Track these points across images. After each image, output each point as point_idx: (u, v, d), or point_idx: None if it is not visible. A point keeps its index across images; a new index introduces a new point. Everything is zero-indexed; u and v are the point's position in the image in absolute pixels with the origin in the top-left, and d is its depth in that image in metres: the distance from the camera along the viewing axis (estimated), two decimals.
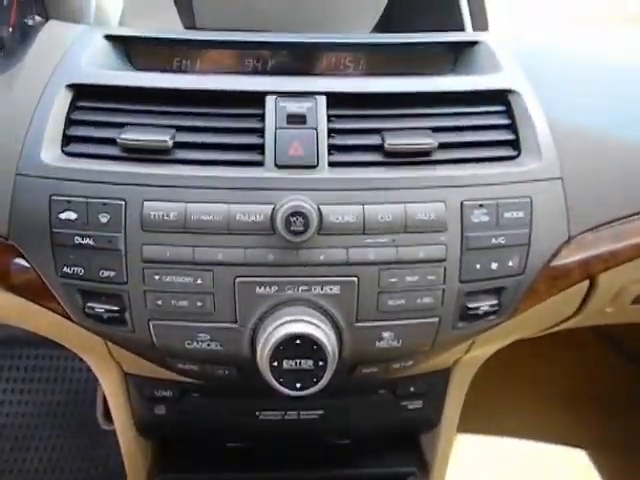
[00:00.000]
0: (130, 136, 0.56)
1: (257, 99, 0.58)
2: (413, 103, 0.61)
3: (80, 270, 0.56)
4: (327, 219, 0.55)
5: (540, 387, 1.44)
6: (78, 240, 0.55)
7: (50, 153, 0.57)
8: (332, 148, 0.57)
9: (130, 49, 0.67)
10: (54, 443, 1.32)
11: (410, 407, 0.78)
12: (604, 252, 0.63)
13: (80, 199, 0.55)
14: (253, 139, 0.58)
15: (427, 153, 0.58)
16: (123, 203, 0.55)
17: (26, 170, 0.56)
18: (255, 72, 0.68)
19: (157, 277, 0.55)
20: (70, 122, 0.58)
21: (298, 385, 0.55)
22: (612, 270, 0.65)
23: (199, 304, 0.56)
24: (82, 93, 0.59)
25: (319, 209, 0.54)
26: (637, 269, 0.67)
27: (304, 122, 0.57)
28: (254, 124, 0.58)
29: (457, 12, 0.79)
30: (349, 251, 0.56)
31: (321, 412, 0.77)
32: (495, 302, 0.60)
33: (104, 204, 0.55)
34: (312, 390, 0.56)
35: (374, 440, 0.88)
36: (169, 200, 0.55)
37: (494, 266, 0.58)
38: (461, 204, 0.57)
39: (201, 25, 0.88)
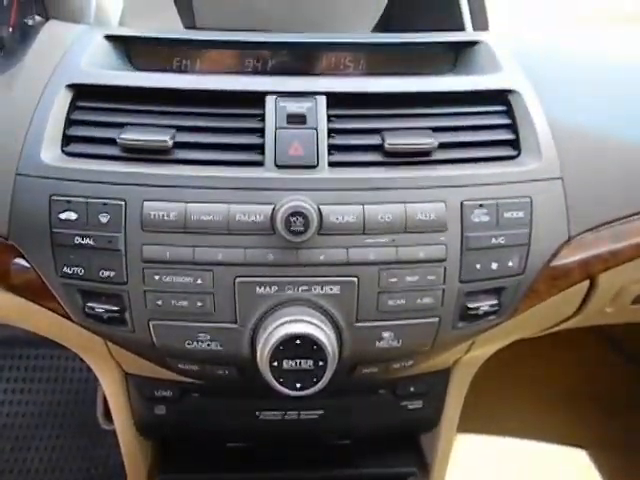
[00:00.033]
0: (130, 136, 0.56)
1: (257, 99, 0.58)
2: (413, 103, 0.61)
3: (80, 270, 0.56)
4: (327, 219, 0.55)
5: (540, 387, 1.44)
6: (78, 240, 0.55)
7: (50, 153, 0.57)
8: (332, 148, 0.57)
9: (130, 49, 0.67)
10: (54, 443, 1.32)
11: (410, 407, 0.78)
12: (604, 252, 0.63)
13: (80, 199, 0.55)
14: (253, 139, 0.58)
15: (427, 153, 0.58)
16: (123, 203, 0.55)
17: (26, 170, 0.56)
18: (255, 72, 0.68)
19: (157, 277, 0.55)
20: (70, 122, 0.58)
21: (298, 385, 0.55)
22: (612, 270, 0.65)
23: (199, 304, 0.56)
24: (82, 93, 0.59)
25: (319, 209, 0.54)
26: (637, 269, 0.67)
27: (304, 122, 0.57)
28: (254, 124, 0.58)
29: (457, 12, 0.79)
30: (349, 251, 0.56)
31: (321, 412, 0.77)
32: (495, 302, 0.60)
33: (104, 204, 0.55)
34: (312, 390, 0.56)
35: (374, 440, 0.88)
36: (169, 200, 0.55)
37: (494, 266, 0.58)
38: (461, 204, 0.57)
39: (201, 25, 0.88)
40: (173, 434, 0.83)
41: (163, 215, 0.54)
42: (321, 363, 0.54)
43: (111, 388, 0.78)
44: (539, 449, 1.35)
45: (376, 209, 0.55)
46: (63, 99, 0.58)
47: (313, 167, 0.56)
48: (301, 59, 0.68)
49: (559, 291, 0.64)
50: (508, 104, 0.62)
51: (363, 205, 0.55)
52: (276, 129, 0.57)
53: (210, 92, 0.59)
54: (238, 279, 0.55)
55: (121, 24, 0.77)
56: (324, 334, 0.54)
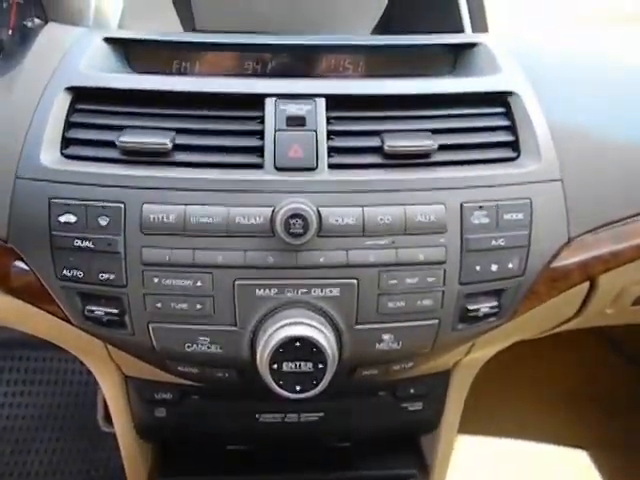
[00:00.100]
0: (129, 139, 0.56)
1: (257, 101, 0.58)
2: (412, 105, 0.61)
3: (79, 273, 0.56)
4: (327, 221, 0.55)
5: (540, 388, 1.44)
6: (77, 243, 0.55)
7: (49, 156, 0.56)
8: (332, 150, 0.57)
9: (129, 52, 0.67)
10: (54, 446, 1.32)
11: (410, 409, 0.78)
12: (604, 253, 0.63)
13: (79, 202, 0.55)
14: (253, 141, 0.57)
15: (427, 155, 0.58)
16: (122, 206, 0.55)
17: (25, 173, 0.56)
18: (254, 74, 0.68)
19: (156, 280, 0.55)
20: (69, 125, 0.58)
21: (298, 388, 0.55)
22: (612, 271, 0.65)
23: (199, 307, 0.56)
24: (81, 96, 0.59)
25: (318, 211, 0.54)
26: (637, 270, 0.67)
27: (303, 124, 0.57)
28: (254, 126, 0.58)
29: (456, 14, 0.79)
30: (349, 253, 0.56)
31: (321, 414, 0.77)
32: (495, 304, 0.60)
33: (103, 207, 0.55)
34: (312, 393, 0.56)
35: (374, 442, 0.88)
36: (168, 203, 0.55)
37: (494, 268, 0.58)
38: (461, 206, 0.57)
39: (200, 27, 0.88)
40: (173, 437, 0.83)
41: (162, 218, 0.54)
42: (321, 365, 0.54)
43: (111, 391, 0.77)
44: (539, 450, 1.35)
45: (376, 211, 0.55)
46: (62, 102, 0.58)
47: (312, 169, 0.56)
48: (300, 61, 0.68)
49: (559, 292, 0.64)
50: (507, 106, 0.62)
51: (363, 207, 0.55)
52: (275, 131, 0.57)
53: (209, 94, 0.59)
54: (238, 281, 0.55)
55: (120, 27, 0.77)
56: (324, 336, 0.54)
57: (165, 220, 0.54)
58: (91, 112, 0.59)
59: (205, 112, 0.59)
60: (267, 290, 0.56)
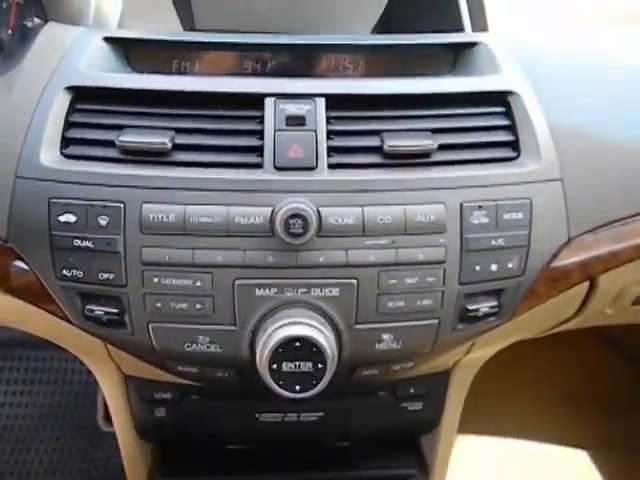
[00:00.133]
0: (129, 138, 0.56)
1: (256, 101, 0.58)
2: (412, 104, 0.61)
3: (79, 273, 0.56)
4: (326, 221, 0.54)
5: (540, 388, 1.44)
6: (77, 243, 0.55)
7: (49, 155, 0.56)
8: (331, 150, 0.57)
9: (129, 51, 0.67)
10: (54, 445, 1.32)
11: (410, 409, 0.78)
12: (604, 253, 0.63)
13: (79, 202, 0.55)
14: (252, 141, 0.57)
15: (426, 154, 0.58)
16: (122, 205, 0.55)
17: (25, 172, 0.56)
18: (254, 74, 0.68)
19: (156, 279, 0.55)
20: (69, 124, 0.58)
21: (297, 388, 0.55)
22: (612, 271, 0.65)
23: (198, 306, 0.56)
24: (81, 95, 0.59)
25: (318, 211, 0.54)
26: (637, 270, 0.66)
27: (303, 124, 0.57)
28: (253, 126, 0.58)
29: (456, 13, 0.79)
30: (348, 253, 0.55)
31: (321, 414, 0.77)
32: (495, 304, 0.60)
33: (103, 206, 0.55)
34: (311, 393, 0.56)
35: (374, 442, 0.88)
36: (168, 202, 0.55)
37: (494, 267, 0.58)
38: (460, 205, 0.57)
39: (200, 27, 0.88)
40: (173, 436, 0.83)
41: (162, 217, 0.54)
42: (320, 365, 0.54)
43: (111, 390, 0.77)
44: (539, 450, 1.35)
45: (375, 211, 0.55)
46: (62, 101, 0.58)
47: (312, 169, 0.56)
48: (300, 61, 0.68)
49: (559, 292, 0.64)
50: (507, 105, 0.62)
51: (362, 207, 0.55)
52: (275, 131, 0.57)
53: (209, 94, 0.59)
54: (237, 281, 0.55)
55: (120, 26, 0.77)
56: (323, 336, 0.54)
57: (165, 220, 0.54)
58: (91, 112, 0.59)
59: (205, 112, 0.59)
60: (267, 290, 0.56)
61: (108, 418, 0.85)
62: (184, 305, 0.56)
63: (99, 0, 0.75)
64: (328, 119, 0.58)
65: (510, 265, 0.59)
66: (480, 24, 0.79)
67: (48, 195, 0.55)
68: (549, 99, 0.63)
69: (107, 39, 0.65)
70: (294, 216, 0.53)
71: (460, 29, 0.79)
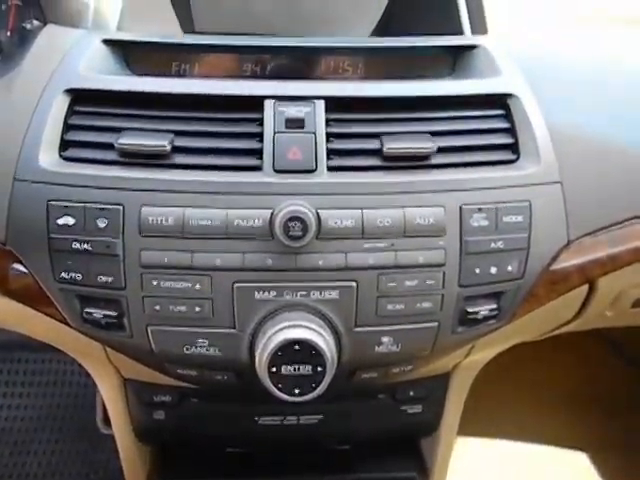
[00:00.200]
0: (128, 141, 0.56)
1: (256, 103, 0.58)
2: (412, 107, 0.61)
3: (78, 275, 0.56)
4: (326, 224, 0.54)
5: (540, 389, 1.44)
6: (76, 245, 0.55)
7: (48, 158, 0.56)
8: (331, 152, 0.57)
9: (128, 53, 0.67)
10: (53, 447, 1.32)
11: (410, 411, 0.78)
12: (603, 256, 0.63)
13: (78, 204, 0.55)
14: (252, 144, 0.57)
15: (426, 157, 0.58)
16: (121, 208, 0.54)
17: (24, 175, 0.56)
18: (254, 76, 0.68)
19: (155, 282, 0.55)
20: (68, 127, 0.58)
21: (297, 391, 0.55)
22: (611, 274, 0.65)
23: (197, 309, 0.56)
24: (80, 98, 0.59)
25: (318, 214, 0.54)
26: (636, 273, 0.66)
27: (302, 126, 0.57)
28: (253, 129, 0.58)
29: (456, 16, 0.79)
30: (348, 256, 0.55)
31: (320, 417, 0.77)
32: (494, 306, 0.60)
33: (102, 209, 0.55)
34: (311, 396, 0.56)
35: (374, 445, 0.88)
36: (167, 205, 0.55)
37: (493, 270, 0.58)
38: (460, 208, 0.57)
39: (200, 29, 0.88)
40: (172, 439, 0.83)
41: (161, 220, 0.54)
42: (320, 369, 0.54)
43: (109, 393, 0.77)
44: (539, 452, 1.35)
45: (375, 213, 0.55)
46: (61, 104, 0.58)
47: (312, 171, 0.56)
48: (300, 63, 0.68)
49: (558, 295, 0.64)
50: (507, 108, 0.62)
51: (362, 209, 0.55)
52: (274, 133, 0.57)
53: (208, 96, 0.59)
54: (236, 284, 0.55)
55: (119, 28, 0.77)
56: (323, 339, 0.54)
57: (164, 222, 0.54)
58: (90, 114, 0.59)
59: (204, 114, 0.59)
60: (266, 293, 0.56)
61: (107, 420, 0.85)
62: (183, 308, 0.56)
63: (98, 2, 0.75)
64: (327, 121, 0.58)
65: (510, 268, 0.59)
66: (479, 27, 0.79)
67: (47, 198, 0.55)
68: (549, 102, 0.63)
69: (106, 41, 0.65)
70: (293, 219, 0.52)
71: (459, 32, 0.79)
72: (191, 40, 0.68)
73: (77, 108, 0.59)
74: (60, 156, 0.57)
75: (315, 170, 0.56)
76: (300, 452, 0.86)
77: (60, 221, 0.55)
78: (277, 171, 0.56)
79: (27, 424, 1.34)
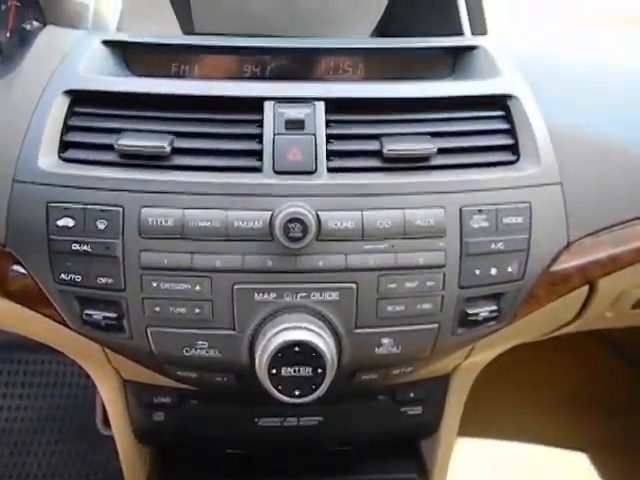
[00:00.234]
0: (128, 142, 0.55)
1: (255, 105, 0.58)
2: (412, 108, 0.61)
3: (77, 277, 0.56)
4: (326, 225, 0.54)
5: (540, 390, 1.44)
6: (75, 247, 0.55)
7: (47, 159, 0.56)
8: (331, 154, 0.57)
9: (128, 54, 0.66)
10: (53, 448, 1.31)
11: (410, 413, 0.78)
12: (603, 257, 0.63)
13: (77, 206, 0.55)
14: (251, 145, 0.57)
15: (426, 158, 0.58)
16: (121, 209, 0.54)
17: (23, 176, 0.56)
18: (254, 77, 0.68)
19: (155, 284, 0.55)
20: (67, 128, 0.58)
21: (297, 392, 0.55)
22: (612, 275, 0.65)
23: (197, 311, 0.56)
24: (80, 99, 0.59)
25: (317, 215, 0.54)
26: (637, 274, 0.66)
27: (302, 128, 0.57)
28: (252, 130, 0.58)
29: (456, 16, 0.79)
30: (348, 257, 0.55)
31: (320, 418, 0.76)
32: (494, 308, 0.60)
33: (102, 210, 0.54)
34: (311, 398, 0.55)
35: (374, 446, 0.88)
36: (167, 206, 0.54)
37: (493, 272, 0.58)
38: (460, 210, 0.57)
39: (200, 30, 0.88)
40: (172, 441, 0.83)
41: (161, 221, 0.54)
42: (320, 370, 0.54)
43: (109, 395, 0.77)
44: (540, 453, 1.35)
45: (375, 215, 0.55)
46: (61, 105, 0.58)
47: (311, 173, 0.56)
48: (299, 64, 0.68)
49: (558, 296, 0.64)
50: (507, 109, 0.62)
51: (362, 211, 0.55)
52: (274, 135, 0.57)
53: (208, 98, 0.59)
54: (236, 286, 0.55)
55: (119, 29, 0.76)
56: (323, 341, 0.54)
57: (164, 224, 0.54)
58: (89, 115, 0.59)
59: (204, 115, 0.59)
60: (266, 294, 0.56)
61: (107, 422, 0.85)
62: (183, 310, 0.56)
63: (98, 3, 0.75)
64: (327, 123, 0.58)
65: (510, 269, 0.59)
66: (479, 27, 0.79)
67: (46, 199, 0.55)
68: (548, 102, 0.63)
69: (106, 42, 0.64)
70: (293, 220, 0.52)
71: (459, 32, 0.79)
72: (191, 41, 0.68)
73: (77, 109, 0.59)
74: (60, 157, 0.57)
75: (315, 171, 0.56)
76: (300, 454, 0.86)
77: (60, 222, 0.55)
78: (277, 172, 0.56)
79: (27, 425, 1.34)
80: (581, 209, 0.61)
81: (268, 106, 0.58)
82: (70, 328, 0.60)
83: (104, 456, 1.29)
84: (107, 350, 0.66)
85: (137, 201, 0.54)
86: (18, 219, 0.56)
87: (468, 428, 0.94)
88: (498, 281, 0.59)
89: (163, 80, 0.61)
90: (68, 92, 0.59)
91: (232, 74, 0.68)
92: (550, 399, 1.43)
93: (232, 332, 0.57)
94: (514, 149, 0.61)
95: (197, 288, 0.55)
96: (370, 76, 0.68)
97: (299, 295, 0.56)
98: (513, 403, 1.40)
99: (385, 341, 0.58)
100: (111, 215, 0.54)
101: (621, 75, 0.73)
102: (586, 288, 0.66)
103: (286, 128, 0.57)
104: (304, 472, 0.85)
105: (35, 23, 0.74)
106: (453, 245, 0.56)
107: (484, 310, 0.59)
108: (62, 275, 0.56)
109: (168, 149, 0.55)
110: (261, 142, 0.57)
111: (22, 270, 0.58)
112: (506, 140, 0.61)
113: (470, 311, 0.59)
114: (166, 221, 0.54)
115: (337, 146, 0.58)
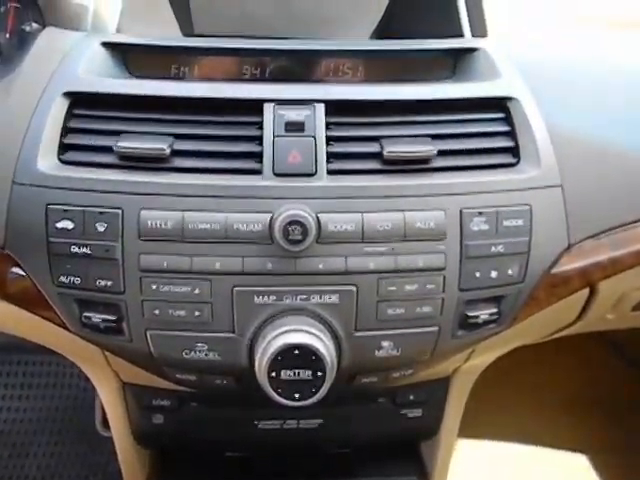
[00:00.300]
0: (127, 144, 0.55)
1: (255, 107, 0.58)
2: (412, 110, 0.61)
3: (77, 279, 0.56)
4: (326, 228, 0.54)
5: (541, 392, 1.44)
6: (75, 249, 0.55)
7: (47, 161, 0.56)
8: (331, 156, 0.57)
9: (127, 56, 0.66)
10: (53, 450, 1.31)
11: (410, 415, 0.78)
12: (604, 260, 0.63)
13: (77, 208, 0.55)
14: (251, 147, 0.57)
15: (426, 161, 0.58)
16: (120, 212, 0.54)
17: (22, 179, 0.56)
18: (253, 79, 0.67)
19: (154, 286, 0.55)
20: (67, 130, 0.58)
21: (296, 395, 0.55)
22: (612, 277, 0.65)
23: (197, 314, 0.56)
24: (79, 101, 0.59)
25: (317, 218, 0.54)
26: (637, 276, 0.66)
27: (302, 130, 0.57)
28: (252, 132, 0.58)
29: (456, 18, 0.79)
30: (348, 260, 0.55)
31: (320, 421, 0.76)
32: (495, 310, 0.60)
33: (101, 213, 0.54)
34: (311, 401, 0.55)
35: (374, 449, 0.88)
36: (166, 209, 0.54)
37: (494, 274, 0.58)
38: (460, 212, 0.56)
39: (199, 31, 0.88)
40: (171, 443, 0.83)
41: (160, 224, 0.54)
42: (320, 373, 0.54)
43: (108, 397, 0.77)
44: (540, 455, 1.35)
45: (375, 217, 0.55)
46: (60, 107, 0.58)
47: (311, 175, 0.56)
48: (299, 66, 0.68)
49: (559, 299, 0.64)
50: (507, 111, 0.62)
51: (362, 213, 0.55)
52: (274, 137, 0.56)
53: (208, 100, 0.59)
54: (236, 288, 0.55)
55: (118, 31, 0.76)
56: (323, 344, 0.54)
57: (163, 226, 0.54)
58: (89, 117, 0.59)
59: (203, 117, 0.59)
60: (266, 297, 0.55)
61: (106, 423, 0.85)
62: (182, 312, 0.56)
63: (97, 5, 0.75)
64: (327, 125, 0.58)
65: (510, 272, 0.58)
66: (479, 29, 0.79)
67: (45, 201, 0.55)
68: (549, 105, 0.62)
69: (105, 44, 0.64)
70: (293, 223, 0.52)
71: (459, 33, 0.79)
72: (190, 43, 0.68)
73: (76, 111, 0.59)
74: (59, 159, 0.57)
75: (315, 174, 0.56)
76: (300, 456, 0.86)
77: (59, 225, 0.55)
78: (277, 175, 0.55)
79: (26, 426, 1.33)
80: (581, 211, 0.61)
81: (268, 108, 0.58)
82: (69, 331, 0.60)
83: (103, 457, 1.29)
84: (106, 353, 0.65)
85: (136, 203, 0.54)
86: (17, 221, 0.56)
87: (469, 430, 0.93)
88: (498, 284, 0.59)
89: (162, 82, 0.61)
90: (67, 94, 0.59)
91: (232, 76, 0.68)
92: (551, 401, 1.43)
93: (232, 335, 0.56)
94: (514, 151, 0.60)
95: (197, 291, 0.55)
96: (370, 78, 0.68)
97: (299, 298, 0.56)
98: (514, 405, 1.40)
99: (385, 344, 0.58)
100: (110, 217, 0.54)
101: (621, 76, 0.73)
102: (587, 290, 0.66)
103: (286, 130, 0.57)
104: (304, 475, 0.85)
105: (35, 25, 0.74)
106: (453, 248, 0.56)
107: (484, 313, 0.59)
108: (61, 277, 0.56)
109: (168, 151, 0.55)
110: (261, 144, 0.56)
111: (21, 272, 0.58)
112: (506, 142, 0.61)
113: (470, 314, 0.59)
114: (166, 223, 0.54)
115: (337, 148, 0.57)
